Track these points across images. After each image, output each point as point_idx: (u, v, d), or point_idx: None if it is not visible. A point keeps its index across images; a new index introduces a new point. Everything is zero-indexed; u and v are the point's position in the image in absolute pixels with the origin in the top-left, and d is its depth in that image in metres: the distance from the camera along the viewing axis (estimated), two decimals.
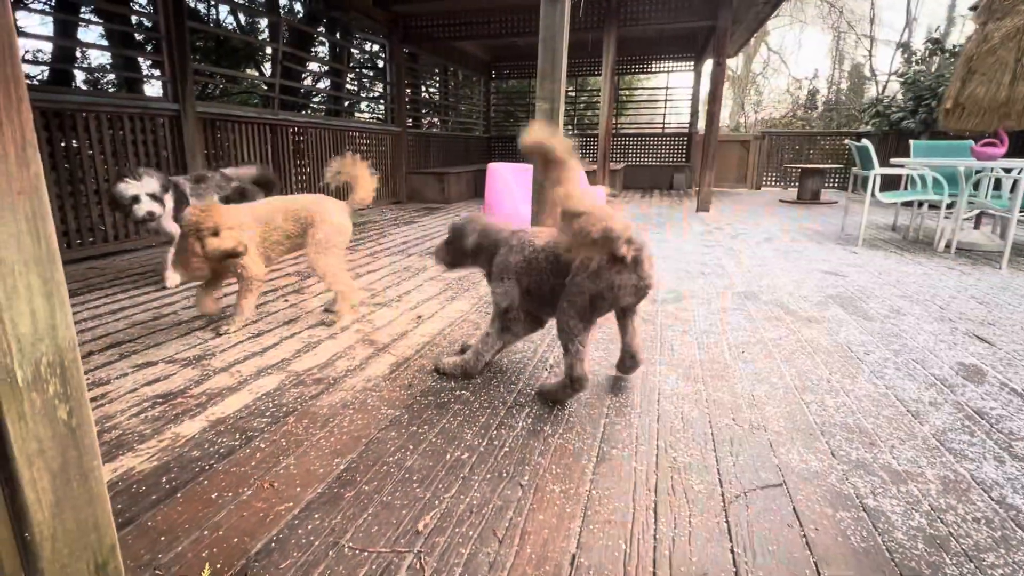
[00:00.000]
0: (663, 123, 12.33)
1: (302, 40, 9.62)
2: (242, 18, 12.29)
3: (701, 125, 10.61)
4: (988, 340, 2.50)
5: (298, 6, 11.36)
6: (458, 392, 1.90)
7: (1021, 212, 3.99)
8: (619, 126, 12.76)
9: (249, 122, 5.43)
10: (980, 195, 4.77)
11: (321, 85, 11.46)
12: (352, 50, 10.90)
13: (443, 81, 11.37)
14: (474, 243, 2.01)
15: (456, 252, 2.08)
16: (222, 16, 12.16)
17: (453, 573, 1.11)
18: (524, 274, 1.89)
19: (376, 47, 11.07)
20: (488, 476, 1.42)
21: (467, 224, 2.04)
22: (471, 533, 1.21)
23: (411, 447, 1.55)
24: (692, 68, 11.68)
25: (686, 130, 11.97)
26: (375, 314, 2.78)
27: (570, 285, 1.72)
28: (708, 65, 8.43)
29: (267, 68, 11.69)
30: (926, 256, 4.44)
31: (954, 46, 10.52)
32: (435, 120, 11.47)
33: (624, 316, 1.93)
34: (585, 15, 7.63)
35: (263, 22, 11.18)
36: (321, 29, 10.19)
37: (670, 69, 12.17)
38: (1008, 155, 4.46)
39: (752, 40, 21.75)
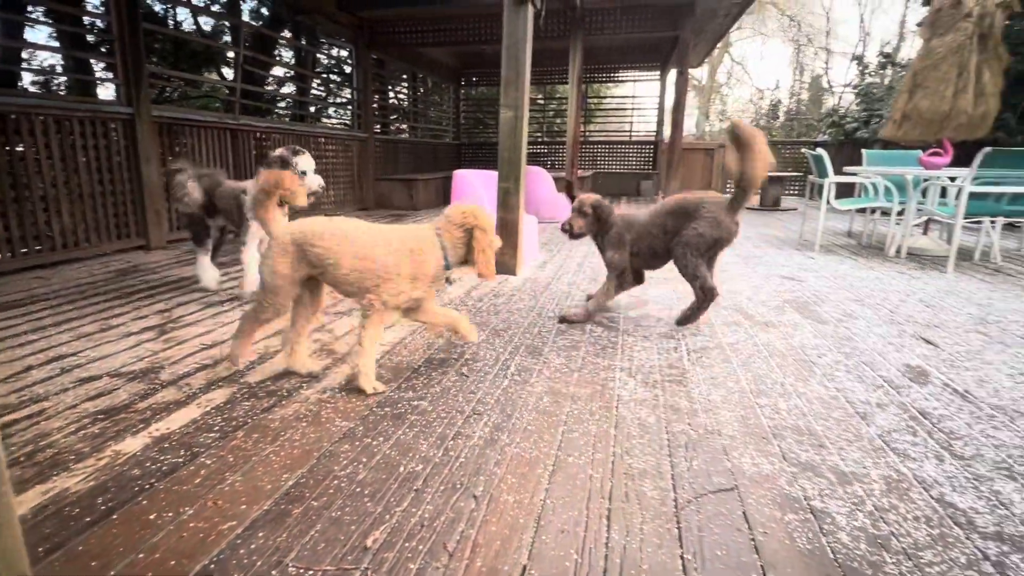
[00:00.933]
0: (630, 131, 12.53)
1: (265, 44, 9.45)
2: (204, 20, 12.00)
3: (667, 133, 10.81)
4: (933, 342, 2.59)
5: (263, 9, 11.16)
6: (415, 403, 1.87)
7: (965, 219, 4.17)
8: (587, 134, 12.91)
9: (209, 127, 5.30)
10: (928, 202, 4.98)
11: (286, 90, 11.27)
12: (318, 55, 10.76)
13: (412, 87, 11.33)
14: (609, 222, 2.80)
15: (592, 225, 2.83)
16: (181, 18, 11.85)
17: None
18: (636, 243, 2.76)
19: (343, 52, 10.97)
20: (442, 488, 1.40)
21: (610, 207, 2.85)
22: (421, 547, 1.19)
23: (364, 460, 1.52)
24: (658, 77, 11.91)
25: (653, 138, 12.18)
26: (335, 323, 2.73)
27: (688, 236, 2.57)
28: (673, 75, 8.60)
29: (233, 72, 11.44)
30: (878, 261, 4.60)
31: (903, 60, 10.99)
32: (404, 126, 11.40)
33: (715, 257, 2.69)
34: (551, 24, 7.71)
35: (226, 24, 10.96)
36: (286, 33, 10.04)
37: (636, 78, 12.39)
38: (952, 165, 4.66)
39: (716, 51, 22.35)
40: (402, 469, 1.48)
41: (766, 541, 1.23)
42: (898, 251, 4.82)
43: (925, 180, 4.86)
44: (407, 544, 1.20)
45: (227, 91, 9.44)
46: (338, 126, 10.46)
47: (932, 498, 1.40)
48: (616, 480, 1.45)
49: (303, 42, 10.03)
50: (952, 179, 4.68)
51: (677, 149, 7.27)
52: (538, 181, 7.14)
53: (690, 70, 13.43)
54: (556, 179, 7.57)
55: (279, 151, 2.92)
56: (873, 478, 1.49)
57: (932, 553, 1.20)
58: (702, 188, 11.63)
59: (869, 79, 11.73)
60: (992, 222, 4.66)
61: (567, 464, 1.52)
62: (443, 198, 9.10)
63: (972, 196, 4.16)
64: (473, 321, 2.78)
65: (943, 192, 5.23)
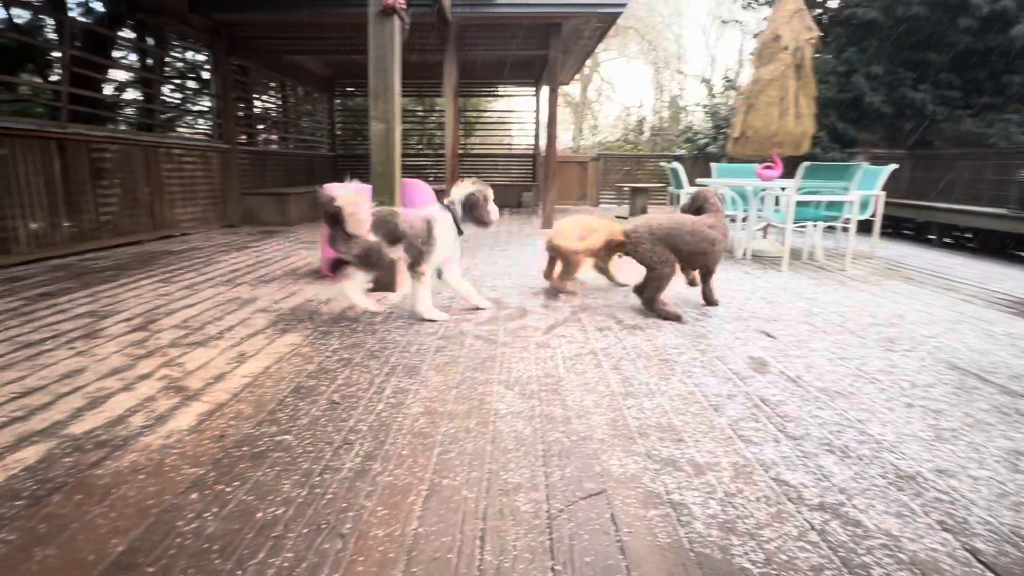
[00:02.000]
0: (510, 144, 12.86)
1: (102, 43, 8.39)
2: (18, 14, 10.36)
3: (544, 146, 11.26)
4: (772, 334, 2.93)
5: (97, 5, 9.90)
6: (279, 438, 1.73)
7: (794, 223, 4.79)
8: (468, 147, 13.04)
9: (25, 135, 4.56)
10: (766, 210, 5.65)
11: (130, 96, 10.09)
12: (170, 58, 9.76)
13: (282, 96, 10.69)
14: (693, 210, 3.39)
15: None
16: None
17: None
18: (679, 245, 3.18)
19: (199, 57, 10.08)
20: (305, 531, 1.29)
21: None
22: None
23: (214, 510, 1.36)
24: (533, 93, 12.37)
25: (532, 151, 12.61)
26: (188, 356, 2.46)
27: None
28: (546, 91, 8.98)
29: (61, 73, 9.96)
30: (729, 263, 5.13)
31: (742, 84, 12.47)
32: (273, 137, 10.71)
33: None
34: (425, 37, 7.70)
35: (46, 19, 9.57)
36: (128, 33, 9.00)
37: (514, 93, 12.78)
38: (783, 177, 5.35)
39: (586, 70, 23.76)
40: (259, 516, 1.35)
41: (631, 540, 1.28)
42: (744, 253, 5.41)
43: (762, 190, 5.52)
44: None
45: (52, 95, 8.23)
46: (197, 136, 9.57)
47: (771, 478, 1.56)
48: (491, 498, 1.44)
49: (151, 44, 9.06)
50: (783, 189, 5.37)
51: (552, 162, 7.58)
52: (419, 194, 7.06)
53: (562, 87, 14.12)
54: (437, 192, 7.53)
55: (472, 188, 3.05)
56: (724, 466, 1.62)
57: (770, 530, 1.33)
58: (577, 198, 12.25)
59: (716, 100, 13.15)
60: (815, 225, 5.40)
61: (442, 487, 1.48)
62: (318, 213, 8.65)
63: (798, 204, 4.79)
64: (346, 343, 2.66)
65: (777, 200, 5.97)
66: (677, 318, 3.15)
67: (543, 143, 11.74)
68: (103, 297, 3.42)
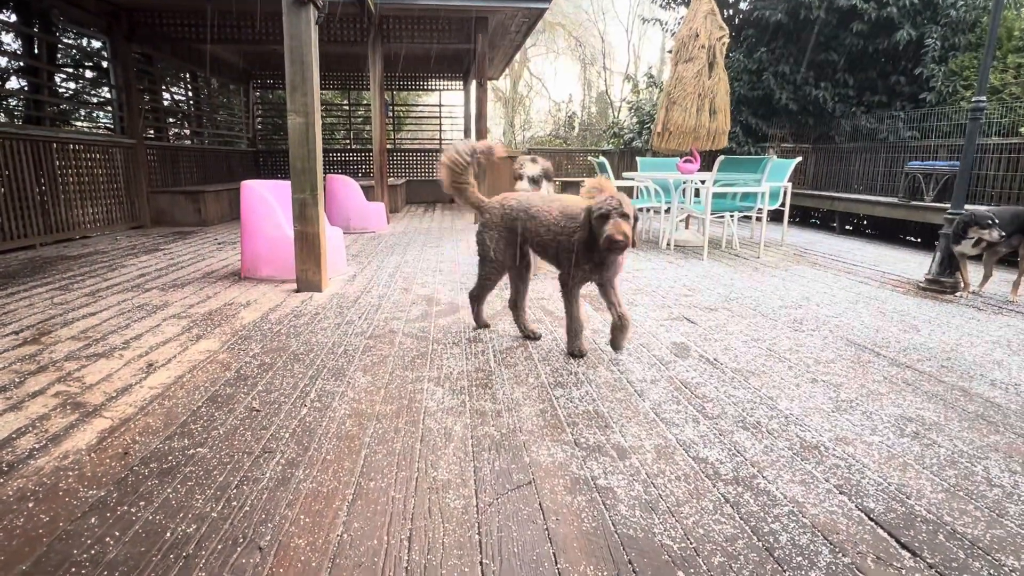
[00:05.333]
0: (440, 139, 12.72)
1: None
2: None
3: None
4: (693, 320, 3.07)
5: None
6: (192, 451, 1.63)
7: (712, 214, 5.05)
8: (398, 141, 12.78)
9: None
10: (686, 201, 5.92)
11: (12, 85, 9.11)
12: (63, 45, 8.89)
13: (194, 88, 10.02)
14: None
15: None
16: None
17: None
18: None
19: (95, 43, 9.24)
20: (219, 547, 1.22)
21: None
22: None
23: (116, 534, 1.26)
24: (462, 87, 12.28)
25: None
26: (87, 369, 2.26)
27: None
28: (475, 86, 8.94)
29: None
30: (654, 253, 5.33)
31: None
32: (186, 131, 10.03)
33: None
34: (346, 28, 7.45)
35: None
36: (7, 16, 8.11)
37: (443, 88, 12.63)
38: (701, 170, 5.62)
39: (516, 65, 23.88)
40: (168, 535, 1.26)
41: (557, 527, 1.31)
42: (668, 244, 5.64)
43: (683, 183, 5.77)
44: None
45: None
46: (97, 131, 8.79)
47: (690, 457, 1.63)
48: (419, 497, 1.42)
49: (35, 28, 8.21)
50: (702, 182, 5.64)
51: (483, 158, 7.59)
52: (346, 191, 6.85)
53: (492, 82, 14.12)
54: (365, 187, 7.35)
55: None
56: (647, 448, 1.69)
57: (689, 507, 1.39)
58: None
59: (640, 97, 13.59)
60: (731, 216, 5.71)
61: (368, 490, 1.45)
62: (238, 211, 8.20)
63: (715, 195, 5.05)
64: (268, 348, 2.54)
65: (696, 192, 6.26)
66: (535, 336, 2.73)
67: (472, 137, 11.71)
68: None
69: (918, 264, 5.00)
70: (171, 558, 1.19)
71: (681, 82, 5.74)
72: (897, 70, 8.64)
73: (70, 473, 1.51)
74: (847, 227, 8.05)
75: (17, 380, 2.12)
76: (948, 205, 4.07)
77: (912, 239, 7.14)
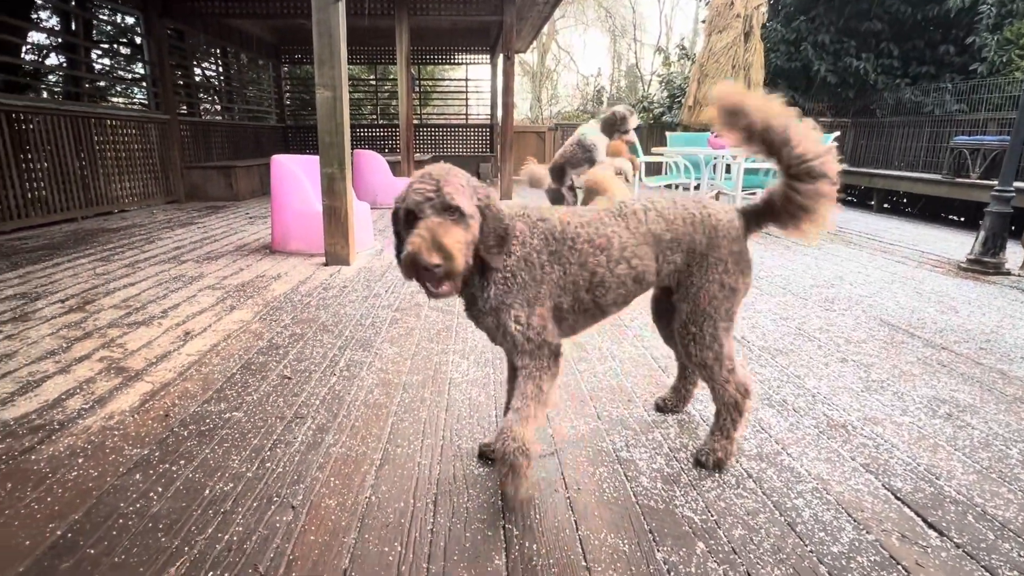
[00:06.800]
0: (466, 114, 12.62)
1: (17, 4, 7.71)
2: None
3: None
4: None
5: None
6: (228, 415, 1.70)
7: (743, 190, 4.92)
8: (424, 116, 12.73)
9: None
10: (717, 177, 5.78)
11: (52, 62, 9.34)
12: (98, 21, 9.06)
13: (225, 64, 10.12)
14: None
15: None
16: None
17: None
18: None
19: (129, 19, 9.38)
20: (255, 505, 1.28)
21: None
22: (226, 575, 1.08)
23: (159, 490, 1.33)
24: (489, 62, 12.11)
25: (488, 121, 12.42)
26: (129, 336, 2.36)
27: None
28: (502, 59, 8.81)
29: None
30: None
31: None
32: (217, 107, 10.17)
33: None
34: (374, 1, 7.39)
35: None
36: None
37: (469, 61, 12.47)
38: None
39: (544, 38, 23.38)
40: (207, 492, 1.33)
41: (579, 497, 1.33)
42: None
43: (714, 159, 5.63)
44: (210, 575, 1.08)
45: None
46: (133, 106, 8.98)
47: None
48: (444, 464, 1.46)
49: (73, 5, 8.37)
50: (733, 157, 5.48)
51: (509, 132, 7.50)
52: (373, 166, 6.88)
53: (519, 55, 13.88)
54: (392, 163, 7.37)
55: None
56: (670, 423, 1.69)
57: (711, 480, 1.40)
58: None
59: (672, 69, 13.21)
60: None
61: (395, 456, 1.49)
62: (268, 186, 8.33)
63: (746, 171, 4.92)
64: (298, 318, 2.60)
65: (728, 168, 6.10)
66: None
67: (500, 113, 11.60)
68: (34, 278, 3.22)
69: (960, 244, 4.81)
70: (210, 513, 1.25)
71: (714, 54, 5.56)
72: (947, 39, 8.19)
73: (115, 432, 1.59)
74: (885, 205, 7.76)
75: (65, 345, 2.23)
76: (995, 182, 3.88)
77: (955, 218, 6.86)
